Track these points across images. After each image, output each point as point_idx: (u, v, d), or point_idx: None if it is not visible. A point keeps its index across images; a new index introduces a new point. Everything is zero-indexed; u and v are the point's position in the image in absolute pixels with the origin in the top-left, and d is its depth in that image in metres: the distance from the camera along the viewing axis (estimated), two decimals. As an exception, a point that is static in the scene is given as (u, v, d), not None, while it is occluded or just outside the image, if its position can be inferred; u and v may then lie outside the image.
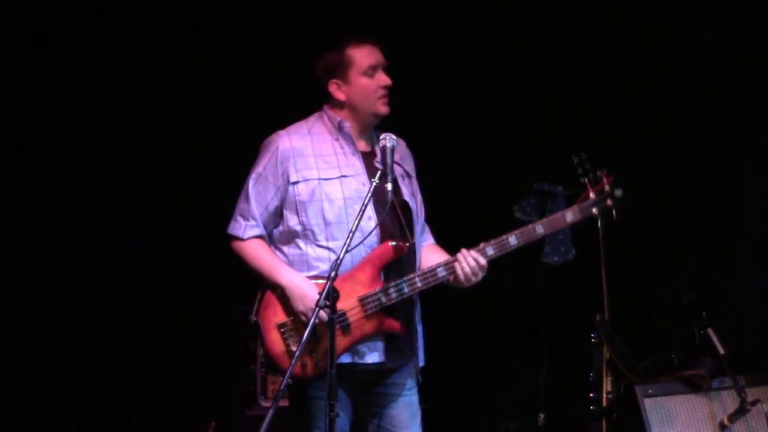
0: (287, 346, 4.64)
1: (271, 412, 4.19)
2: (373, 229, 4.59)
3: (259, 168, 4.76)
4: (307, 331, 4.28)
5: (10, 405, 6.36)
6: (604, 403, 5.82)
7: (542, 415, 6.27)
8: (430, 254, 4.88)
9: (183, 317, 6.52)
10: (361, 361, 4.67)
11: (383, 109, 4.75)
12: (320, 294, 4.30)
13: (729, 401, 5.62)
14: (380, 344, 4.69)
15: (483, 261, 4.70)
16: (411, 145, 4.91)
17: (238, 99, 6.65)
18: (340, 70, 4.73)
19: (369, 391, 4.75)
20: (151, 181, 6.61)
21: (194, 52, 6.61)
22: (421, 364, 4.83)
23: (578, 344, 6.06)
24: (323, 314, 4.37)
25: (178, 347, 6.52)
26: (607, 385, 5.81)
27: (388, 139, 4.56)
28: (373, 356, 4.68)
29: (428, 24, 6.70)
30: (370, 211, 4.63)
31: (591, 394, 5.85)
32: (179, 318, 6.52)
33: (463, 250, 4.70)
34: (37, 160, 6.44)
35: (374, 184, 4.48)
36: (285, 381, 4.30)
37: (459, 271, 4.69)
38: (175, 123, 6.62)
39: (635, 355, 5.81)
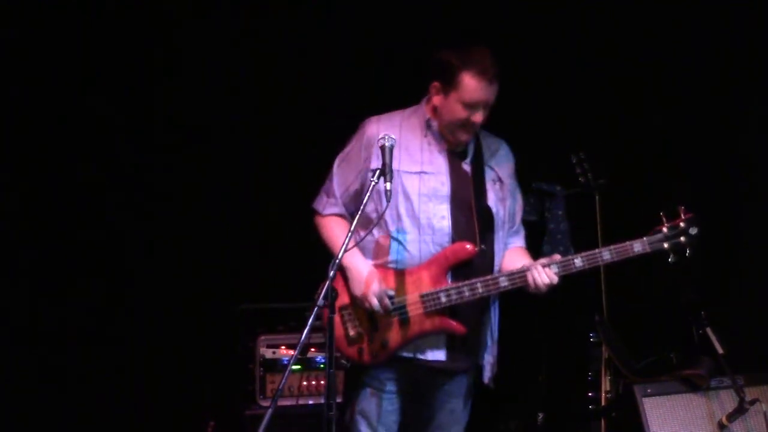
0: (346, 330, 4.70)
1: (269, 411, 4.20)
2: (374, 225, 4.63)
3: (346, 149, 4.85)
4: (306, 330, 4.28)
5: (6, 404, 6.35)
6: (603, 403, 5.82)
7: (541, 415, 6.28)
8: (510, 256, 4.89)
9: (182, 317, 6.51)
10: (423, 357, 4.69)
11: (463, 137, 4.74)
12: (319, 291, 4.32)
13: (727, 401, 5.61)
14: (443, 343, 4.71)
15: (555, 279, 4.71)
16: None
17: (237, 98, 6.63)
18: (447, 81, 4.70)
19: (422, 391, 4.77)
20: (151, 180, 6.60)
21: (195, 47, 6.61)
22: (489, 374, 4.85)
23: (577, 344, 6.06)
24: (375, 302, 4.53)
25: (178, 347, 6.51)
26: (605, 384, 5.82)
27: (387, 139, 4.57)
28: (435, 354, 4.71)
29: (426, 23, 6.69)
30: (445, 210, 4.64)
31: (590, 394, 5.86)
32: (178, 317, 6.51)
33: (538, 266, 4.70)
34: (35, 159, 6.43)
35: (373, 183, 4.49)
36: (283, 381, 4.31)
37: (530, 281, 4.71)
38: (177, 121, 6.60)
39: (634, 355, 5.81)
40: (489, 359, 4.83)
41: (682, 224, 4.84)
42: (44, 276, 6.44)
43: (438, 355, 4.71)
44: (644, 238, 4.79)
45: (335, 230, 4.80)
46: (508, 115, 6.70)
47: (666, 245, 4.81)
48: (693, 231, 4.83)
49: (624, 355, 5.77)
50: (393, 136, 4.60)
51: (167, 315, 6.52)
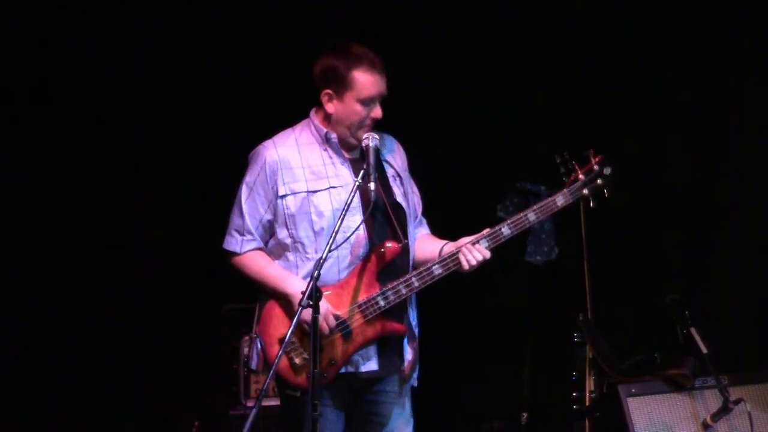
0: (290, 359, 4.58)
1: (254, 411, 4.19)
2: (355, 230, 4.56)
3: (249, 182, 4.70)
4: (290, 330, 4.26)
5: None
6: (587, 403, 5.83)
7: (525, 415, 6.29)
8: (423, 243, 4.83)
9: (166, 317, 6.50)
10: (355, 370, 4.63)
11: (363, 136, 4.69)
12: (303, 294, 4.28)
13: (712, 400, 5.63)
14: (374, 353, 4.66)
15: (488, 254, 4.67)
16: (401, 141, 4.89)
17: (230, 98, 6.62)
18: (339, 85, 4.62)
19: (361, 399, 4.73)
20: (137, 182, 6.59)
21: (187, 48, 6.60)
22: (411, 373, 4.79)
23: (561, 344, 6.07)
24: (324, 325, 4.43)
25: (162, 347, 6.50)
26: (590, 384, 5.82)
27: (371, 139, 4.55)
28: (368, 365, 4.65)
29: (420, 23, 6.69)
30: (359, 220, 4.59)
31: (574, 394, 5.86)
32: (162, 318, 6.50)
33: (468, 245, 4.65)
34: (28, 160, 6.43)
35: (357, 183, 4.47)
36: (267, 382, 4.28)
37: (463, 261, 4.64)
38: (168, 122, 6.59)
39: (618, 355, 5.82)
40: (409, 357, 4.77)
41: (595, 167, 4.81)
42: (31, 277, 6.43)
43: (371, 365, 4.66)
44: (564, 190, 4.77)
45: (261, 263, 4.69)
46: (493, 114, 6.77)
47: (586, 191, 4.79)
48: (607, 171, 4.82)
49: (608, 355, 5.78)
50: (376, 136, 4.59)
51: (151, 316, 6.51)
